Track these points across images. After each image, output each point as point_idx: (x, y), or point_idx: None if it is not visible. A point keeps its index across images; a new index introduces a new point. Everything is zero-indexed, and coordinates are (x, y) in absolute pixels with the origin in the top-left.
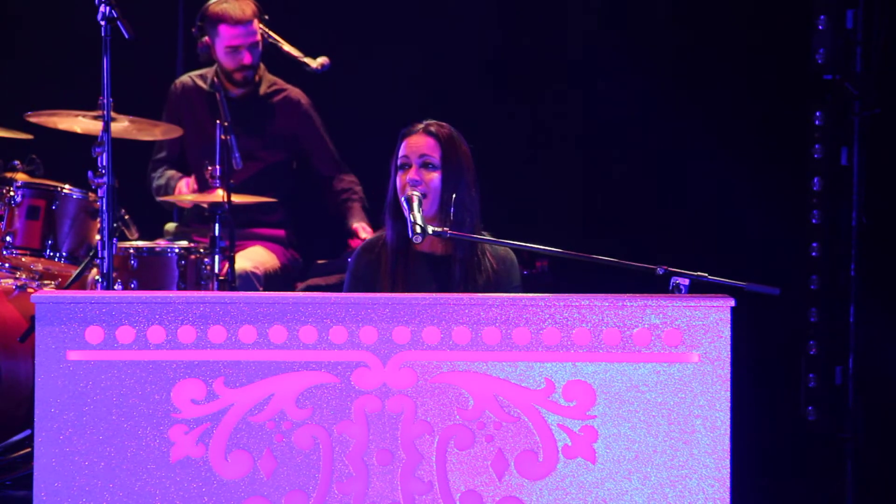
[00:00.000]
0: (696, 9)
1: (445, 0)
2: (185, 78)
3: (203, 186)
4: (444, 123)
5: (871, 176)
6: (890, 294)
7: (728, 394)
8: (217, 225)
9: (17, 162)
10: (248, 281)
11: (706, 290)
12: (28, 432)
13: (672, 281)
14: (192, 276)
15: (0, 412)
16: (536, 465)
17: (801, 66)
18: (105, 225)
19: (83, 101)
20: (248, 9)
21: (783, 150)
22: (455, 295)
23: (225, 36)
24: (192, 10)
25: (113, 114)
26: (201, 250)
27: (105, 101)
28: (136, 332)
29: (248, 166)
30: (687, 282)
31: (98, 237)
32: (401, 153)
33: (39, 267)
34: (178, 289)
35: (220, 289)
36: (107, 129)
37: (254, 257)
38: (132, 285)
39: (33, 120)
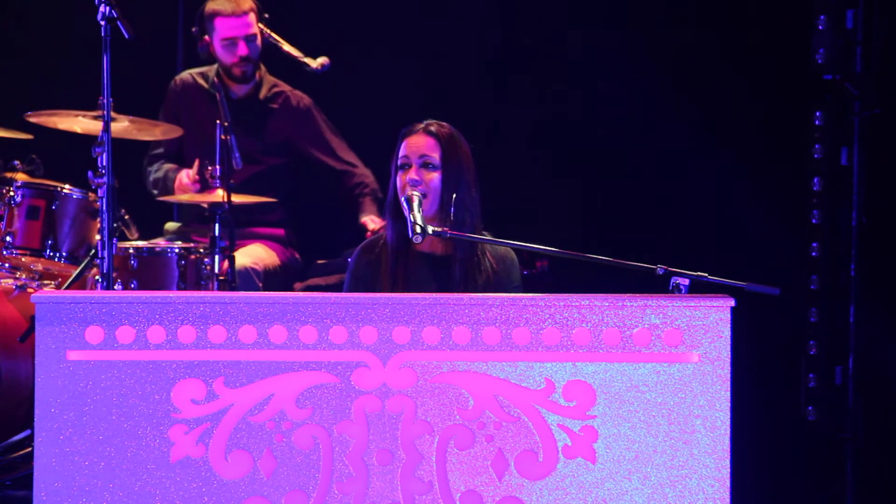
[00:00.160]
0: (696, 9)
1: (445, 0)
2: (185, 75)
3: (203, 186)
4: (444, 123)
5: (871, 176)
6: (890, 294)
7: (728, 394)
8: (217, 225)
9: (17, 162)
10: (247, 277)
11: (706, 290)
12: (28, 432)
13: (672, 281)
14: (192, 276)
15: (0, 412)
16: (536, 465)
17: (801, 66)
18: (105, 225)
19: (83, 101)
20: (245, 3)
21: (783, 150)
22: (455, 295)
23: (220, 28)
24: (192, 10)
25: (113, 114)
26: (201, 250)
27: (105, 101)
28: (136, 332)
29: (248, 167)
30: (687, 282)
31: (98, 237)
32: (401, 153)
33: (39, 267)
34: (178, 289)
35: (220, 288)
36: (107, 129)
37: (253, 254)
38: (132, 285)
39: (33, 120)
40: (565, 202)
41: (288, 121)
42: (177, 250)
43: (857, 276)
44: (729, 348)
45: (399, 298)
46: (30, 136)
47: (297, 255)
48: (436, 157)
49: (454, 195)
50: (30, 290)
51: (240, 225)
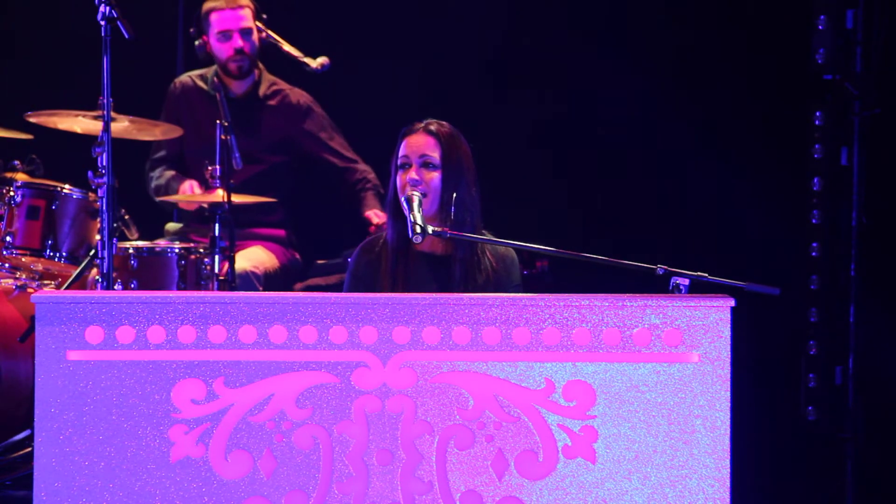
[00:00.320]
0: (696, 9)
1: (445, 0)
2: (184, 77)
3: (203, 187)
4: (444, 122)
5: (871, 176)
6: (890, 294)
7: (728, 394)
8: (217, 225)
9: (17, 162)
10: (247, 281)
11: (706, 290)
12: (28, 432)
13: (672, 281)
14: (192, 276)
15: (0, 412)
16: (536, 465)
17: (801, 66)
18: (105, 225)
19: (83, 101)
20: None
21: (783, 150)
22: (455, 295)
23: (215, 23)
24: (192, 11)
25: (113, 114)
26: (201, 250)
27: (105, 101)
28: (136, 332)
29: (249, 166)
30: (687, 282)
31: (98, 237)
32: (401, 153)
33: (39, 267)
34: (178, 289)
35: (220, 289)
36: (107, 129)
37: (253, 257)
38: (132, 285)
39: (33, 120)
40: (565, 202)
41: (288, 118)
42: (177, 250)
43: (857, 276)
44: (729, 348)
45: (399, 298)
46: (30, 136)
47: (298, 256)
48: (436, 156)
49: (454, 195)
50: (30, 290)
51: (241, 226)
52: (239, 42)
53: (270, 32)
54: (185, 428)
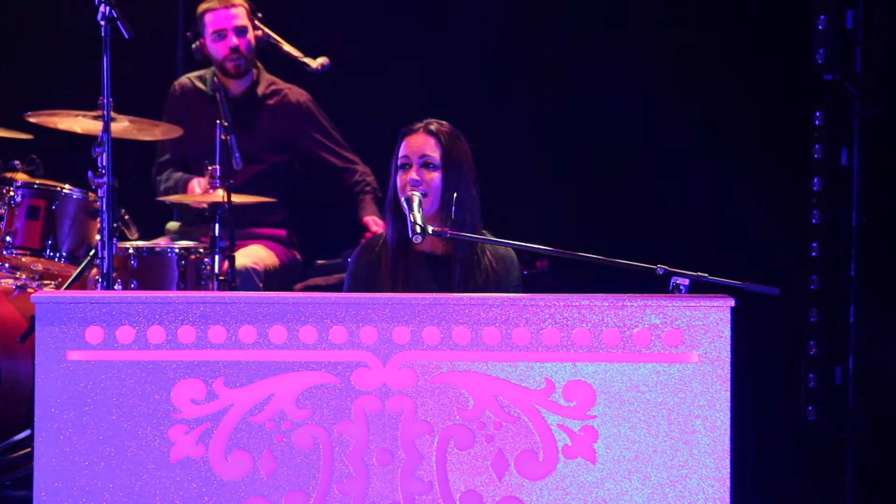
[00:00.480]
0: (696, 9)
1: (445, 0)
2: (183, 79)
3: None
4: (444, 122)
5: (871, 176)
6: (890, 294)
7: (728, 394)
8: (217, 225)
9: (17, 162)
10: (248, 277)
11: (706, 290)
12: (28, 432)
13: (672, 281)
14: (192, 276)
15: (0, 412)
16: (536, 465)
17: (801, 66)
18: (105, 225)
19: (83, 101)
20: None
21: (783, 150)
22: (455, 295)
23: (210, 22)
24: (192, 11)
25: (113, 114)
26: (201, 250)
27: (105, 101)
28: (136, 332)
29: (249, 166)
30: (687, 282)
31: (98, 237)
32: (401, 153)
33: (39, 267)
34: (178, 289)
35: (220, 289)
36: (107, 129)
37: (254, 254)
38: (132, 285)
39: (33, 120)
40: (565, 202)
41: (287, 117)
42: (177, 250)
43: (857, 276)
44: (729, 348)
45: (399, 298)
46: (30, 136)
47: (298, 256)
48: (436, 156)
49: (455, 195)
50: (30, 290)
51: (241, 225)
52: (234, 40)
53: (269, 32)
54: (185, 428)
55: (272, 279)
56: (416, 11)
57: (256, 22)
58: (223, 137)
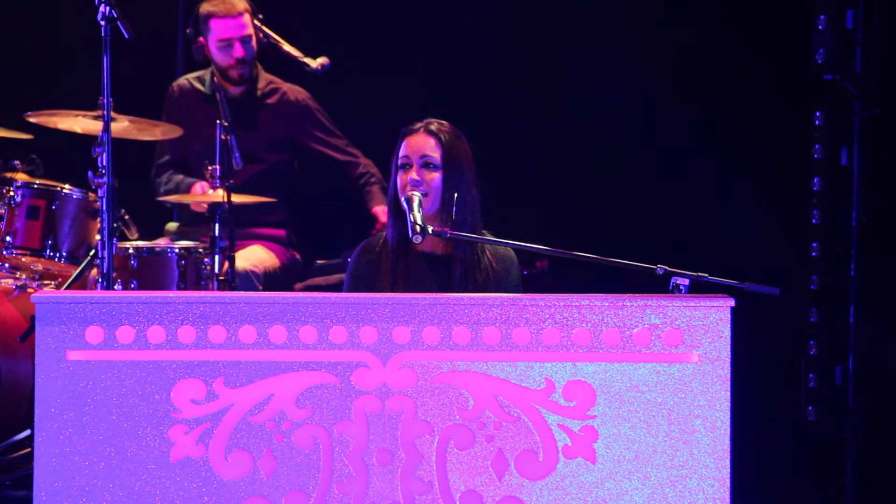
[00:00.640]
0: (696, 9)
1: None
2: (182, 81)
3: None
4: (444, 122)
5: (871, 176)
6: (890, 294)
7: (728, 394)
8: (217, 225)
9: (17, 162)
10: (247, 280)
11: (706, 290)
12: (28, 432)
13: (672, 281)
14: (192, 276)
15: (0, 412)
16: (536, 465)
17: (801, 66)
18: (105, 225)
19: (83, 101)
20: (239, 4)
21: (783, 150)
22: (455, 295)
23: (216, 30)
24: (193, 9)
25: (113, 114)
26: (201, 250)
27: (105, 101)
28: (136, 332)
29: (249, 166)
30: (687, 282)
31: (98, 237)
32: (401, 153)
33: (39, 267)
34: (178, 289)
35: (220, 289)
36: (107, 129)
37: (253, 256)
38: (132, 285)
39: (33, 120)
40: (565, 202)
41: (286, 116)
42: (177, 250)
43: (857, 276)
44: (729, 348)
45: (399, 298)
46: (30, 136)
47: (298, 256)
48: (437, 156)
49: (455, 194)
50: (30, 290)
51: (241, 225)
52: (241, 52)
53: (269, 32)
54: (185, 428)
55: (272, 281)
56: (416, 11)
57: (257, 23)
58: (223, 137)
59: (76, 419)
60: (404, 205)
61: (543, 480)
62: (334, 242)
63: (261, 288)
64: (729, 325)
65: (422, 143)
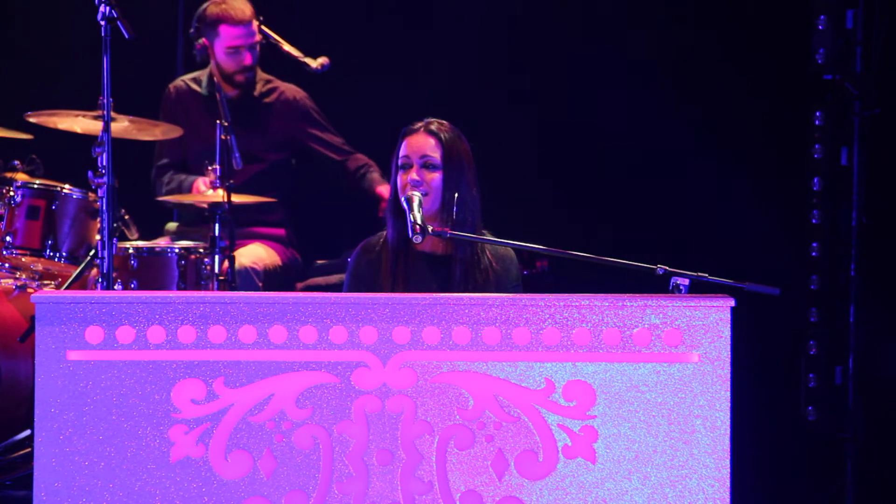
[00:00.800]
0: (696, 9)
1: (446, 0)
2: (178, 82)
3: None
4: (444, 122)
5: (871, 176)
6: (890, 294)
7: (728, 394)
8: (217, 225)
9: (17, 162)
10: (247, 277)
11: (706, 290)
12: (28, 432)
13: (672, 281)
14: (192, 276)
15: (0, 412)
16: (536, 465)
17: (801, 66)
18: (105, 225)
19: (83, 101)
20: (248, 9)
21: (783, 150)
22: (455, 295)
23: (225, 37)
24: (192, 11)
25: (113, 114)
26: (201, 250)
27: (105, 101)
28: (136, 332)
29: (248, 166)
30: (687, 282)
31: (98, 237)
32: (402, 153)
33: (39, 267)
34: (178, 289)
35: (220, 288)
36: (107, 129)
37: (253, 254)
38: (132, 285)
39: (33, 120)
40: (565, 202)
41: (285, 115)
42: (177, 250)
43: (857, 276)
44: (729, 348)
45: (399, 298)
46: (30, 136)
47: (298, 255)
48: (437, 157)
49: (455, 194)
50: (30, 290)
51: (240, 225)
52: (249, 60)
53: (269, 32)
54: (185, 428)
55: (272, 279)
56: (416, 11)
57: (261, 25)
58: (223, 137)
59: (76, 419)
60: (404, 205)
61: (543, 480)
62: (334, 242)
63: (261, 285)
64: (729, 325)
65: (422, 143)
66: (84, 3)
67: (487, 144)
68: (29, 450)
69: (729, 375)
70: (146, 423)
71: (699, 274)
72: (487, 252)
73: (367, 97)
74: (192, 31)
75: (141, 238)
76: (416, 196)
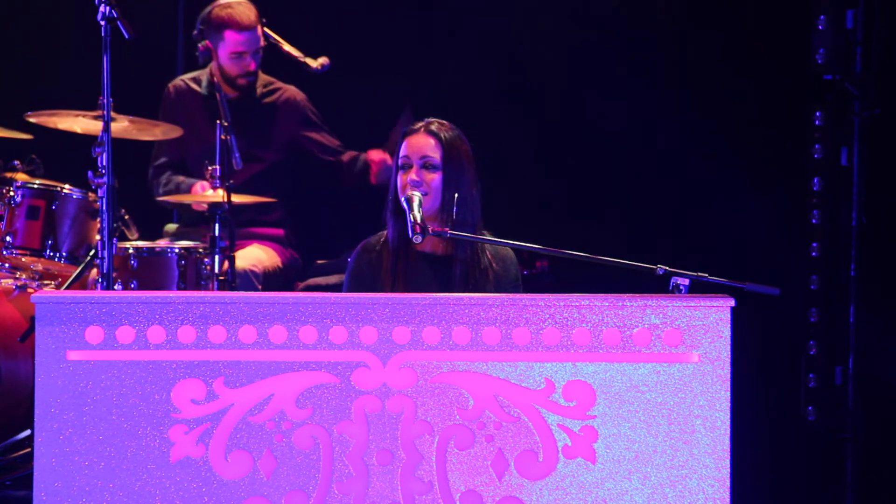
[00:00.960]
0: (696, 10)
1: (447, 1)
2: (177, 82)
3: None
4: (444, 122)
5: (871, 176)
6: (890, 294)
7: (728, 394)
8: (217, 225)
9: (17, 162)
10: (247, 279)
11: (706, 290)
12: (28, 432)
13: (672, 281)
14: (192, 276)
15: (0, 412)
16: (536, 465)
17: (801, 66)
18: (105, 225)
19: (83, 101)
20: (253, 15)
21: (783, 149)
22: (455, 295)
23: (230, 42)
24: (192, 11)
25: (113, 114)
26: (201, 250)
27: (105, 101)
28: (136, 332)
29: (248, 166)
30: (687, 282)
31: (98, 237)
32: (402, 153)
33: (39, 267)
34: (178, 289)
35: (220, 289)
36: (107, 129)
37: (253, 256)
38: (132, 285)
39: (33, 120)
40: (566, 202)
41: (285, 116)
42: (177, 250)
43: (857, 276)
44: (729, 348)
45: (399, 298)
46: (30, 136)
47: (297, 256)
48: (437, 157)
49: (455, 195)
50: (30, 290)
51: (240, 225)
52: (252, 65)
53: (270, 32)
54: (185, 428)
55: (271, 280)
56: (416, 11)
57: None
58: (223, 137)
59: (76, 419)
60: (404, 205)
61: (543, 480)
62: (334, 242)
63: (260, 287)
64: (729, 325)
65: (422, 144)
66: (84, 3)
67: (487, 144)
68: (29, 450)
69: (729, 375)
70: (146, 423)
71: (699, 274)
72: (487, 252)
73: (367, 97)
74: (195, 32)
75: (141, 238)
76: (416, 196)
